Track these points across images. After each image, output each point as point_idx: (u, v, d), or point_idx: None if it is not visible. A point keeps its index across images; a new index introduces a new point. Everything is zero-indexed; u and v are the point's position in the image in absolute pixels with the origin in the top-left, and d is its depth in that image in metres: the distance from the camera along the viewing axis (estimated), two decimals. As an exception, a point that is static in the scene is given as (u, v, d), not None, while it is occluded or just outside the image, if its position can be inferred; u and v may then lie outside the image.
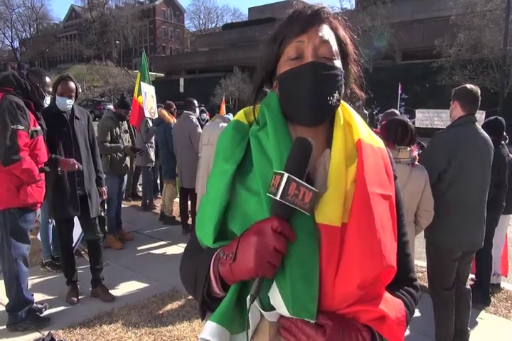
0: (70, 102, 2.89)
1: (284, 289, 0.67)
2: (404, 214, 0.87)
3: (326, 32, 0.78)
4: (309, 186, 0.66)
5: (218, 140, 0.84)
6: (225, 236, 0.75)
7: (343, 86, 0.81)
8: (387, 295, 0.73)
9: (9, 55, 61.17)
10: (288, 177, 0.64)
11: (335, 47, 0.79)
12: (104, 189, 3.30)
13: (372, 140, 0.80)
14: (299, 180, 0.65)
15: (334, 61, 0.78)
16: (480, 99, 2.53)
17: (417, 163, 2.38)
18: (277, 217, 0.66)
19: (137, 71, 6.25)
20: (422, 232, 2.62)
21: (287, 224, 0.66)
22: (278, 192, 0.65)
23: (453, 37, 16.65)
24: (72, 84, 2.92)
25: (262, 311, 0.70)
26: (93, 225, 3.11)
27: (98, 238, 3.18)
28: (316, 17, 0.78)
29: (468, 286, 2.69)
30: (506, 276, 3.66)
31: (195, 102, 5.04)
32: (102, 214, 3.87)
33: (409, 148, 2.32)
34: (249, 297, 0.68)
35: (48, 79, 2.70)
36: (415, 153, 2.42)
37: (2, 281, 2.65)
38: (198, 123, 4.75)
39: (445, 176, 2.42)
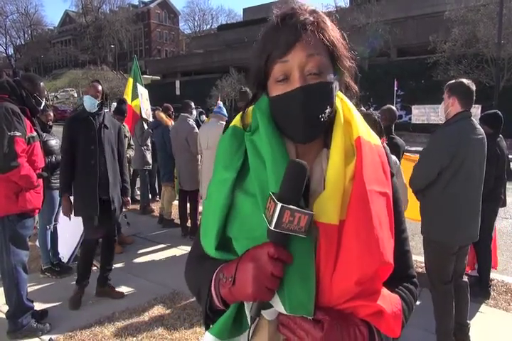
0: (93, 100, 3.00)
1: (280, 288, 0.68)
2: (402, 211, 0.87)
3: (311, 45, 0.74)
4: (304, 210, 0.65)
5: (218, 146, 0.85)
6: (227, 243, 0.77)
7: (336, 92, 0.80)
8: (384, 290, 0.73)
9: (4, 61, 61.13)
10: (281, 206, 0.64)
11: (323, 57, 0.75)
12: (129, 199, 3.37)
13: (369, 137, 0.80)
14: (293, 207, 0.64)
15: (323, 74, 0.75)
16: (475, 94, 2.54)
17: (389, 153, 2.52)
18: (273, 242, 0.67)
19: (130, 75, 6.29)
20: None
21: (283, 249, 0.67)
22: (272, 221, 0.65)
23: (447, 32, 16.64)
24: (97, 86, 3.07)
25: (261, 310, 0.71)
26: (111, 227, 3.25)
27: (114, 240, 3.33)
28: (298, 30, 0.74)
29: (465, 279, 2.69)
30: (496, 269, 3.66)
31: (192, 104, 5.04)
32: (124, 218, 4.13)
33: None
34: (249, 318, 0.70)
35: (41, 84, 2.72)
36: (384, 145, 2.52)
37: (2, 288, 2.65)
38: (194, 126, 4.76)
39: (446, 172, 2.42)
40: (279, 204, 0.64)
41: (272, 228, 0.65)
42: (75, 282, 3.15)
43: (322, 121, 0.77)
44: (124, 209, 3.41)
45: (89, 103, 3.01)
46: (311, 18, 0.75)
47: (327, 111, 0.77)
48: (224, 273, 0.72)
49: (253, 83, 0.83)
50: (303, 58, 0.73)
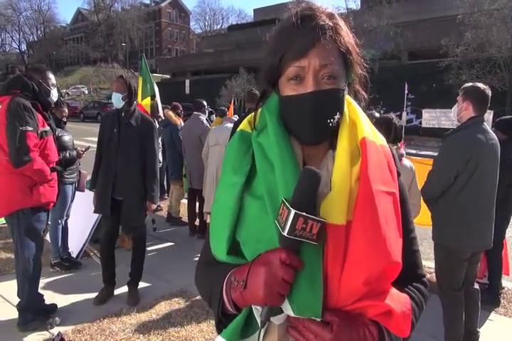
0: (118, 96, 2.99)
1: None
2: (409, 211, 0.87)
3: (327, 49, 0.74)
4: (317, 218, 0.66)
5: (226, 150, 0.86)
6: (237, 247, 0.77)
7: (344, 101, 0.81)
8: (392, 290, 0.73)
9: (17, 57, 61.95)
10: (295, 213, 0.65)
11: (337, 65, 0.76)
12: (153, 205, 3.14)
13: (375, 137, 0.81)
14: (306, 214, 0.65)
15: (336, 80, 0.76)
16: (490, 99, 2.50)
17: (405, 159, 2.56)
18: (285, 248, 0.67)
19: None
20: (431, 233, 2.61)
21: (295, 255, 0.67)
22: (285, 227, 0.65)
23: (460, 36, 16.46)
24: (117, 80, 3.07)
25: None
26: (132, 228, 3.17)
27: (138, 238, 3.21)
28: (316, 34, 0.73)
29: (476, 286, 2.66)
30: (508, 275, 3.62)
31: (205, 103, 5.06)
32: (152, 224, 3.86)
33: (395, 146, 2.48)
34: (259, 321, 0.70)
35: (49, 73, 2.71)
36: (402, 150, 2.57)
37: (12, 281, 2.68)
38: (208, 125, 4.79)
39: (459, 178, 2.40)
40: (293, 211, 0.65)
41: (285, 234, 0.65)
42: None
43: (330, 126, 0.78)
44: (149, 214, 3.21)
45: (114, 98, 3.03)
46: (330, 23, 0.76)
47: (336, 117, 0.78)
48: (236, 277, 0.72)
49: (264, 79, 0.83)
50: (317, 65, 0.74)
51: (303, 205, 0.66)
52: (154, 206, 3.17)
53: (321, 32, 0.74)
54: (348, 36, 0.79)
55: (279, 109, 0.81)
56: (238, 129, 0.87)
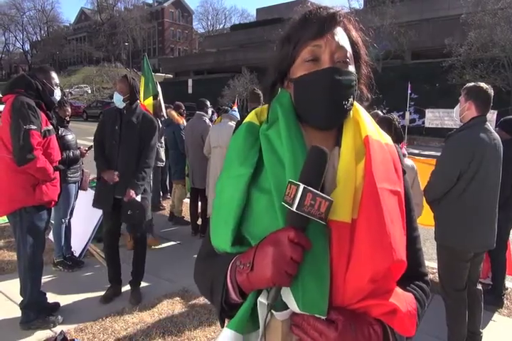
0: (117, 96, 3.02)
1: (294, 285, 0.67)
2: (413, 209, 0.87)
3: (341, 36, 0.79)
4: (325, 196, 0.65)
5: (231, 142, 0.84)
6: (239, 241, 0.76)
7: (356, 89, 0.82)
8: (397, 289, 0.73)
9: (20, 57, 62.26)
10: (304, 188, 0.64)
11: (349, 50, 0.80)
12: (132, 193, 2.90)
13: (380, 136, 0.82)
14: (314, 190, 0.65)
15: (349, 65, 0.79)
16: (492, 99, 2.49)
17: (407, 158, 2.55)
18: (293, 226, 0.66)
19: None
20: (433, 234, 2.61)
21: (303, 234, 0.66)
22: (294, 203, 0.64)
23: (463, 36, 16.41)
24: (120, 82, 3.08)
25: (273, 311, 0.71)
26: (135, 226, 3.23)
27: (138, 237, 3.25)
28: (332, 20, 0.79)
29: (479, 287, 2.65)
30: (511, 275, 3.61)
31: (208, 103, 5.07)
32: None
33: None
34: (266, 305, 0.68)
35: (52, 73, 2.73)
36: (404, 150, 2.56)
37: (15, 280, 2.69)
38: (210, 124, 4.79)
39: (462, 178, 2.39)
40: (302, 186, 0.64)
41: (293, 209, 0.64)
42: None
43: (344, 109, 0.79)
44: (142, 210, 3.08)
45: (115, 99, 3.04)
46: (342, 12, 0.81)
47: (350, 100, 0.79)
48: (241, 261, 0.71)
49: (275, 71, 0.84)
50: (334, 46, 0.77)
51: (311, 181, 0.65)
52: (133, 195, 2.92)
53: (338, 18, 0.79)
54: (357, 32, 0.84)
55: (291, 102, 0.82)
56: (245, 121, 0.86)
